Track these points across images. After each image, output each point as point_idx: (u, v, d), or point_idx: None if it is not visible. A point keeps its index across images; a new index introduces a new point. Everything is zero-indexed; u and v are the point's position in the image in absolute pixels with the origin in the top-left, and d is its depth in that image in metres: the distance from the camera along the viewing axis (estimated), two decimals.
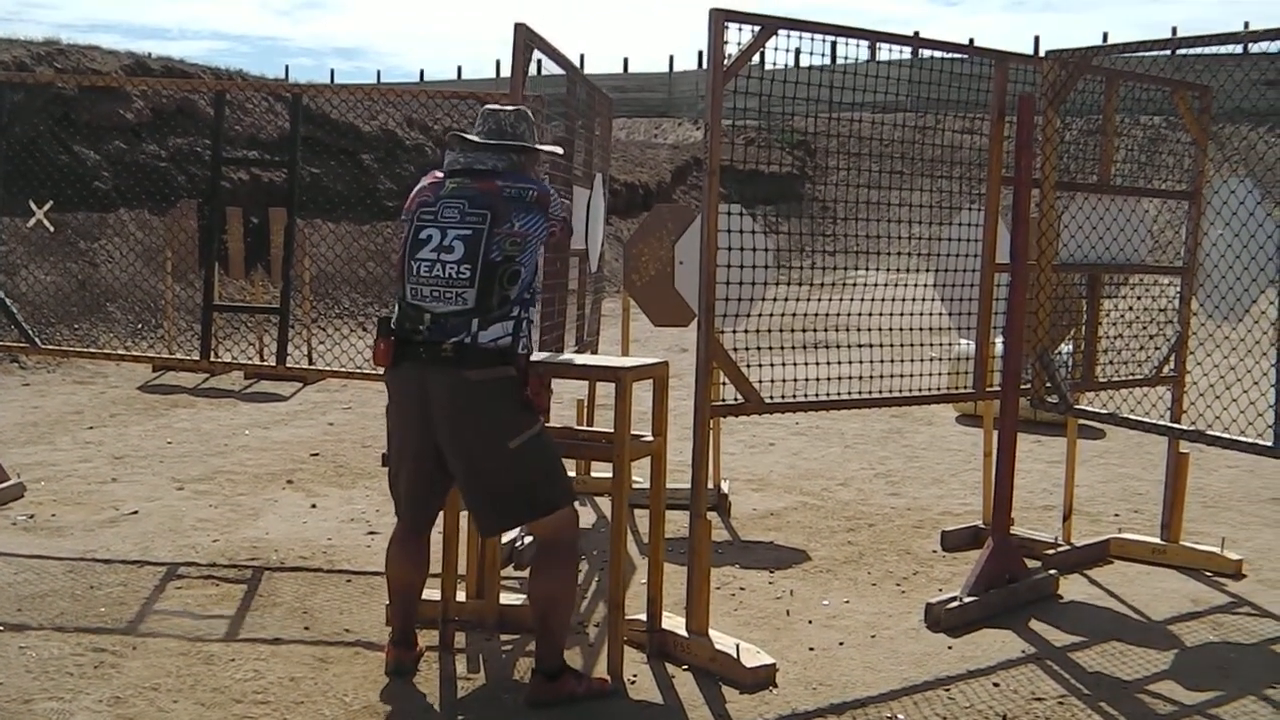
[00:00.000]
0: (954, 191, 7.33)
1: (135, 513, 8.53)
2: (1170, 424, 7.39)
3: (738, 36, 5.99)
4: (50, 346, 11.73)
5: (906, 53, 7.27)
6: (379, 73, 51.40)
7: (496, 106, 5.72)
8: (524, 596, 6.24)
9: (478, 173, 5.48)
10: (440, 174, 5.59)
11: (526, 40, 6.80)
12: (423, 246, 5.37)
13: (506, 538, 7.00)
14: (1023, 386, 7.15)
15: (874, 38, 6.76)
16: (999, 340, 7.18)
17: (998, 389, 7.15)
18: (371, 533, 8.18)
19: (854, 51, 6.58)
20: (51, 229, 12.46)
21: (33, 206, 9.78)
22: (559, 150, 6.35)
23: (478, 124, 5.68)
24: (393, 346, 5.39)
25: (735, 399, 6.30)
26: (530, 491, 5.41)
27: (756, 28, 6.05)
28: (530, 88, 7.00)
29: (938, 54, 7.16)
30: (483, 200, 5.36)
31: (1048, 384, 7.28)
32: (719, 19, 5.91)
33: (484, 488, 5.43)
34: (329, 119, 22.37)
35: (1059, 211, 7.28)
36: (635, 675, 5.80)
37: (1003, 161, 7.18)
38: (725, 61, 5.94)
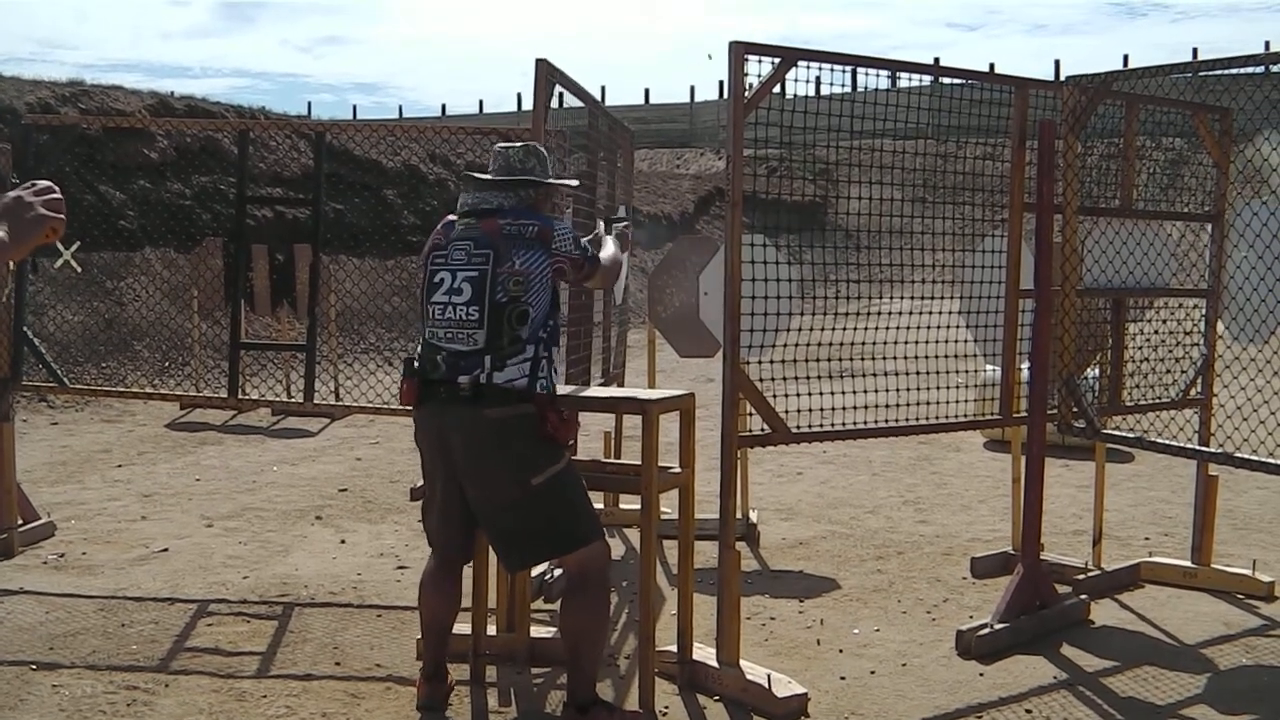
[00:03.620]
0: (976, 218, 7.33)
1: (165, 550, 8.57)
2: (1199, 447, 7.37)
3: (758, 69, 6.01)
4: (79, 386, 11.78)
5: (926, 79, 7.29)
6: (400, 108, 51.72)
7: (507, 144, 5.75)
8: (555, 630, 6.26)
9: (483, 212, 5.52)
10: (454, 216, 5.63)
11: (548, 75, 6.84)
12: (437, 290, 5.43)
13: (536, 571, 7.01)
14: (1050, 412, 7.14)
15: (893, 67, 6.78)
16: (1025, 366, 7.18)
17: (1025, 415, 7.15)
18: (401, 567, 8.19)
19: (874, 81, 6.60)
20: (79, 269, 12.53)
21: (60, 247, 9.84)
22: (574, 182, 6.37)
23: (491, 163, 5.70)
24: (416, 386, 5.43)
25: (762, 429, 6.31)
26: (554, 528, 5.41)
27: (776, 60, 6.07)
28: (552, 122, 7.03)
29: (957, 81, 7.16)
30: (485, 241, 5.39)
31: (1075, 409, 7.27)
32: (739, 51, 5.93)
33: (506, 525, 5.44)
34: (352, 155, 22.46)
35: (1082, 236, 7.28)
36: (667, 707, 5.80)
37: (1025, 187, 7.19)
38: (746, 93, 5.97)
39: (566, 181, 6.20)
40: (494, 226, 5.41)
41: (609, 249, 5.80)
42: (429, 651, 5.84)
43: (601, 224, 6.21)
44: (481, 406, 5.27)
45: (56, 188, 3.24)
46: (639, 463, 5.86)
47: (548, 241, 5.40)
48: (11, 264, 8.48)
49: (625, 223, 6.19)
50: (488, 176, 5.64)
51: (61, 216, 3.19)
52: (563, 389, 6.16)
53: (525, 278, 5.32)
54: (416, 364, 5.49)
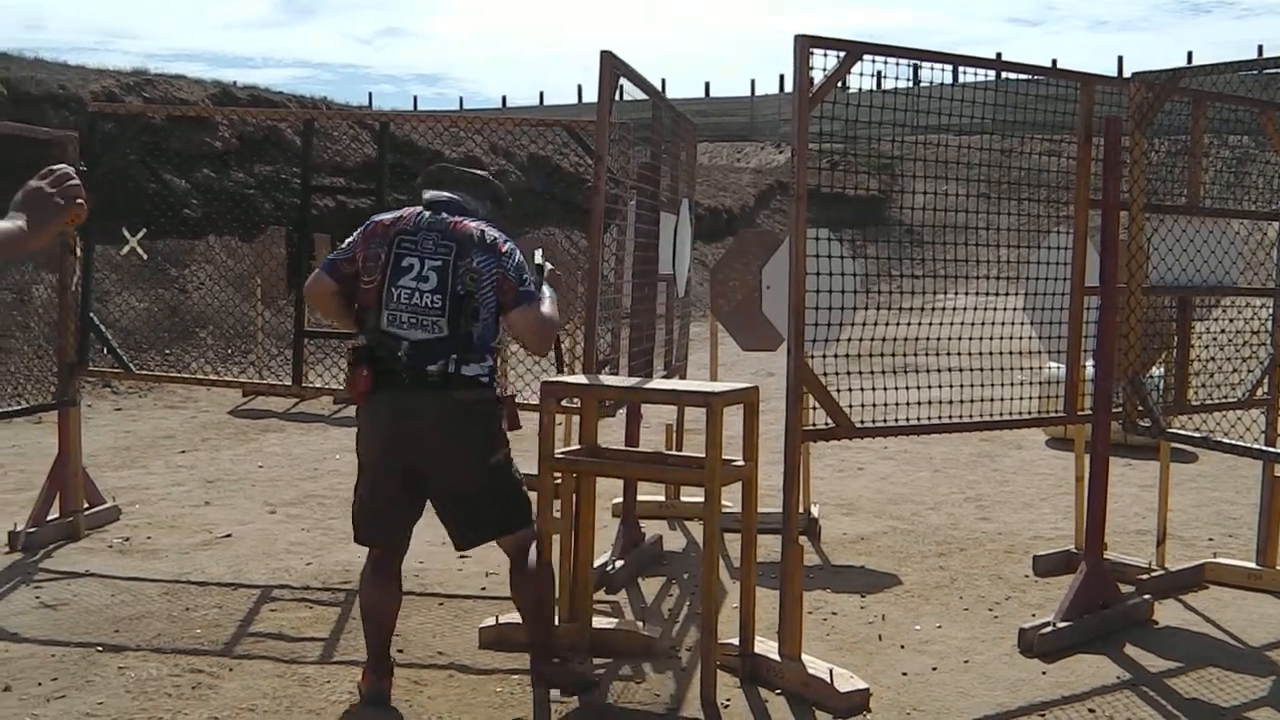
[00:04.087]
0: (1038, 214, 7.29)
1: (228, 536, 8.64)
2: (1265, 447, 7.31)
3: (823, 62, 6.00)
4: (143, 372, 11.87)
5: (988, 74, 7.25)
6: (461, 99, 51.45)
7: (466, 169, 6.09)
8: (613, 621, 6.32)
9: (448, 204, 5.78)
10: (416, 208, 5.83)
11: (613, 68, 6.84)
12: (405, 274, 5.56)
13: (598, 561, 7.03)
14: (1115, 410, 7.10)
15: (959, 62, 6.75)
16: (1090, 364, 7.14)
17: (1089, 413, 7.11)
18: (462, 556, 8.20)
19: (936, 75, 6.58)
20: (144, 256, 12.64)
21: (126, 234, 9.93)
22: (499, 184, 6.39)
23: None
24: (372, 374, 5.53)
25: (826, 424, 6.30)
26: (504, 506, 5.70)
27: (841, 53, 6.05)
28: (614, 114, 7.04)
29: (1021, 77, 7.12)
30: (450, 234, 5.62)
31: (1140, 407, 7.23)
32: (804, 45, 5.92)
33: (464, 502, 5.66)
34: (414, 146, 22.53)
35: (1148, 234, 7.23)
36: (729, 700, 5.80)
37: (1090, 184, 7.14)
38: (811, 88, 5.96)
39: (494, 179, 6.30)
40: (459, 226, 5.64)
41: (548, 307, 5.84)
42: (374, 645, 5.82)
43: (537, 254, 6.17)
44: (451, 391, 5.48)
45: (73, 172, 3.30)
46: (701, 455, 5.86)
47: (499, 253, 5.61)
48: (78, 251, 8.56)
49: (549, 267, 6.13)
50: (458, 169, 6.05)
51: (80, 202, 3.27)
52: (626, 381, 6.20)
53: (478, 276, 5.53)
54: (371, 351, 5.57)
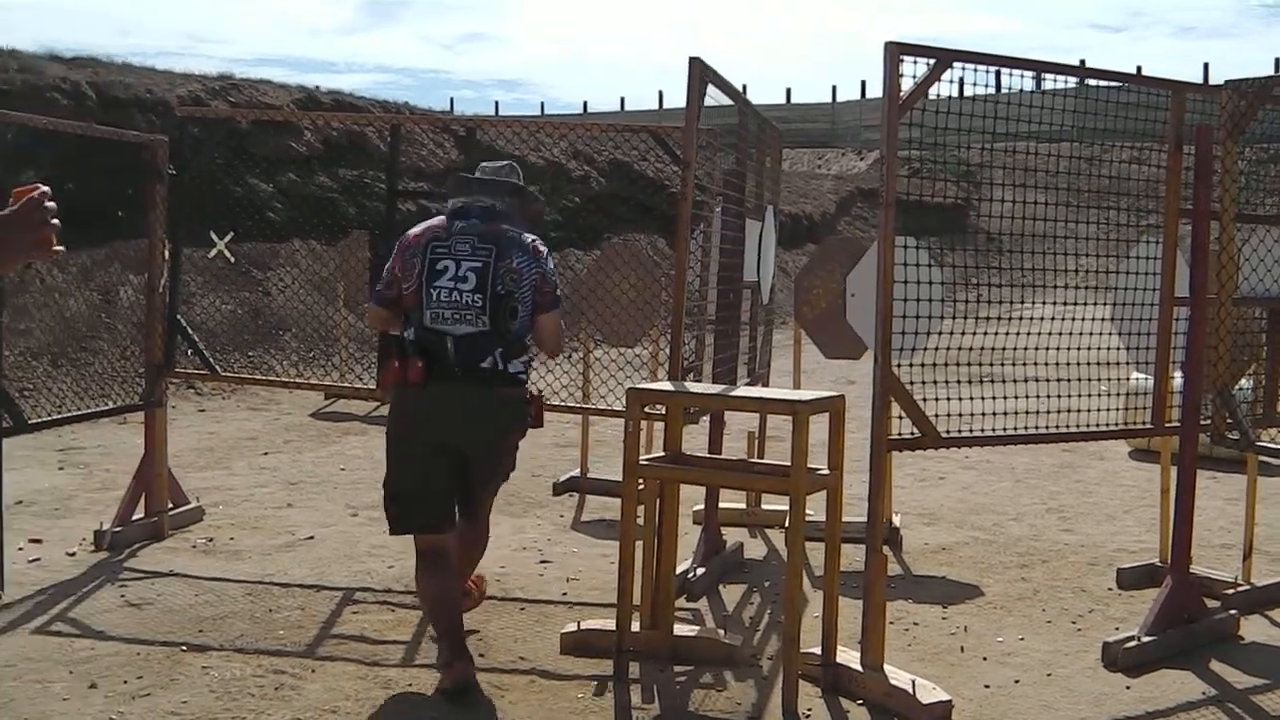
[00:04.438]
0: (1123, 224, 7.23)
1: (311, 538, 8.69)
2: None
3: (911, 69, 5.98)
4: (229, 374, 11.97)
5: (1071, 81, 7.19)
6: (542, 104, 51.86)
7: (491, 164, 6.49)
8: (695, 628, 6.38)
9: (481, 212, 6.18)
10: (438, 220, 6.29)
11: (701, 74, 6.84)
12: (440, 276, 6.02)
13: (681, 567, 7.03)
14: (1203, 422, 7.03)
15: (1049, 69, 6.70)
16: (1178, 375, 7.07)
17: (1177, 425, 7.04)
18: (544, 561, 8.25)
19: (1019, 82, 6.52)
20: (232, 259, 12.73)
21: (214, 238, 10.00)
22: (538, 196, 6.87)
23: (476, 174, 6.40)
24: (425, 366, 5.99)
25: (911, 433, 6.26)
26: (497, 480, 6.49)
27: (931, 61, 6.03)
28: (701, 119, 7.03)
29: (1106, 84, 7.06)
30: (490, 237, 6.07)
31: (1228, 419, 7.15)
32: (894, 52, 5.90)
33: (488, 475, 6.35)
34: (496, 151, 22.57)
35: (1239, 244, 7.15)
36: (810, 710, 5.78)
37: (1180, 193, 7.08)
38: (900, 95, 5.93)
39: (537, 196, 6.77)
40: (497, 228, 6.11)
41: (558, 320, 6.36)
42: (451, 635, 6.03)
43: None
44: (497, 387, 6.05)
45: (49, 193, 3.09)
46: (785, 463, 5.85)
47: (538, 256, 6.13)
48: (166, 254, 8.64)
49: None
50: (477, 176, 6.36)
51: (46, 232, 3.06)
52: (712, 388, 6.22)
53: (518, 276, 6.02)
54: (421, 346, 6.05)
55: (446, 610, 6.06)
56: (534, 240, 6.15)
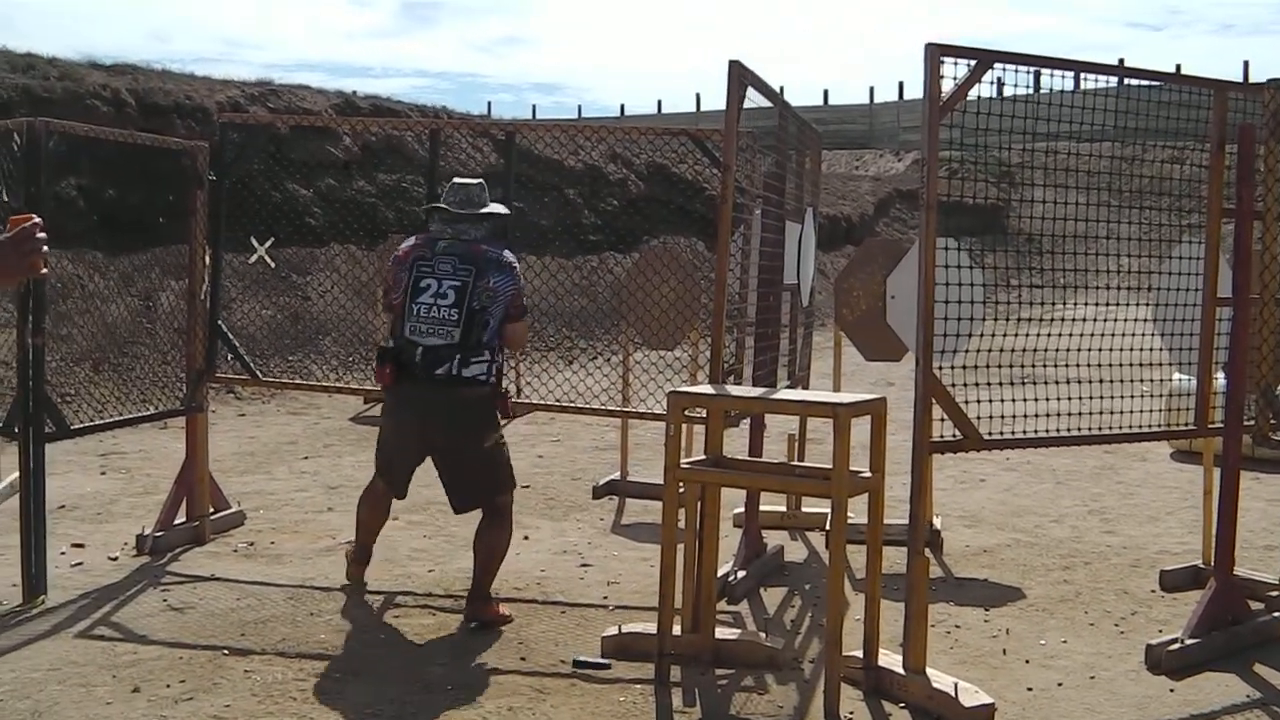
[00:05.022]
0: (1163, 224, 7.19)
1: (351, 542, 8.69)
2: None
3: (953, 71, 5.95)
4: (269, 379, 12.01)
5: (1110, 81, 7.14)
6: (580, 107, 52.04)
7: (464, 180, 7.26)
8: (736, 631, 6.33)
9: (464, 239, 7.03)
10: (424, 237, 7.17)
11: (740, 77, 6.83)
12: (423, 292, 6.91)
13: (721, 570, 7.02)
14: (1246, 423, 6.99)
15: (1090, 70, 6.66)
16: (1220, 376, 7.03)
17: (1220, 426, 7.00)
18: (584, 565, 8.25)
19: (1058, 82, 6.49)
20: (273, 265, 12.77)
21: (254, 243, 10.02)
22: (506, 210, 7.48)
23: (448, 194, 7.18)
24: (394, 371, 6.93)
25: (953, 435, 6.24)
26: (493, 478, 7.11)
27: (972, 62, 6.00)
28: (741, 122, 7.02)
29: (1147, 83, 7.01)
30: (470, 258, 6.94)
31: (1272, 420, 7.10)
32: (935, 54, 5.87)
33: (464, 474, 7.08)
34: (534, 154, 22.64)
35: None
36: (852, 712, 5.78)
37: (1222, 193, 7.03)
38: (941, 96, 5.91)
39: (501, 209, 7.37)
40: (477, 250, 6.98)
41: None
42: (363, 543, 7.72)
43: None
44: (455, 388, 6.88)
45: (41, 223, 3.56)
46: (826, 466, 5.84)
47: (512, 272, 7.03)
48: (207, 260, 8.68)
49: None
50: (454, 210, 7.10)
51: (36, 259, 3.55)
52: (753, 391, 6.22)
53: (494, 294, 6.90)
54: (396, 353, 6.95)
55: (367, 528, 7.70)
56: (509, 260, 7.05)
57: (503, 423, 7.30)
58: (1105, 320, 6.87)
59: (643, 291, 9.46)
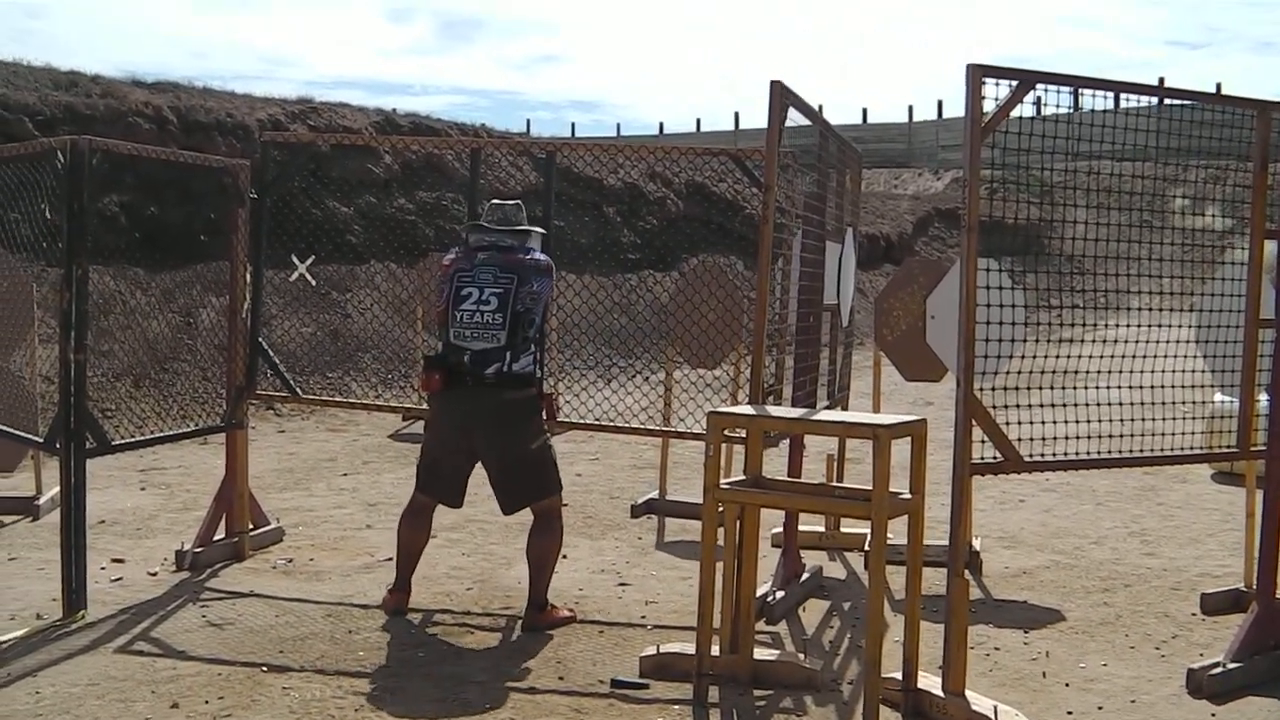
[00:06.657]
0: (1205, 244, 7.15)
1: (390, 559, 8.69)
2: None
3: (994, 91, 5.94)
4: (309, 396, 12.05)
5: (1150, 100, 7.11)
6: (618, 125, 52.08)
7: (500, 201, 7.59)
8: (775, 652, 6.41)
9: (502, 248, 7.35)
10: (461, 250, 7.48)
11: (781, 97, 6.83)
12: (465, 300, 7.22)
13: (760, 591, 7.01)
14: None
15: (1133, 90, 6.65)
16: (1263, 398, 6.98)
17: (1262, 448, 6.96)
18: (622, 584, 8.24)
19: (1097, 101, 6.47)
20: (314, 282, 12.81)
21: (295, 261, 10.05)
22: (543, 231, 7.82)
23: (488, 213, 7.49)
24: (443, 377, 7.18)
25: (994, 457, 6.21)
26: (540, 480, 7.35)
27: (1014, 82, 5.99)
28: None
29: (1187, 103, 6.99)
30: (510, 267, 7.27)
31: None
32: (977, 74, 5.86)
33: (512, 475, 7.32)
34: (573, 173, 22.69)
35: None
36: None
37: (1265, 213, 6.99)
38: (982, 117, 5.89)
39: (540, 230, 7.73)
40: (515, 259, 7.31)
41: None
42: (403, 571, 7.63)
43: None
44: (503, 391, 7.16)
45: None
46: (865, 487, 5.83)
47: (550, 274, 7.45)
48: (248, 277, 8.71)
49: None
50: (501, 228, 7.41)
51: None
52: (793, 411, 6.21)
53: (537, 296, 7.26)
54: (444, 359, 7.25)
55: (409, 554, 7.61)
56: (547, 264, 7.42)
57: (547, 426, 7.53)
58: (1146, 341, 6.84)
59: (686, 310, 9.46)
